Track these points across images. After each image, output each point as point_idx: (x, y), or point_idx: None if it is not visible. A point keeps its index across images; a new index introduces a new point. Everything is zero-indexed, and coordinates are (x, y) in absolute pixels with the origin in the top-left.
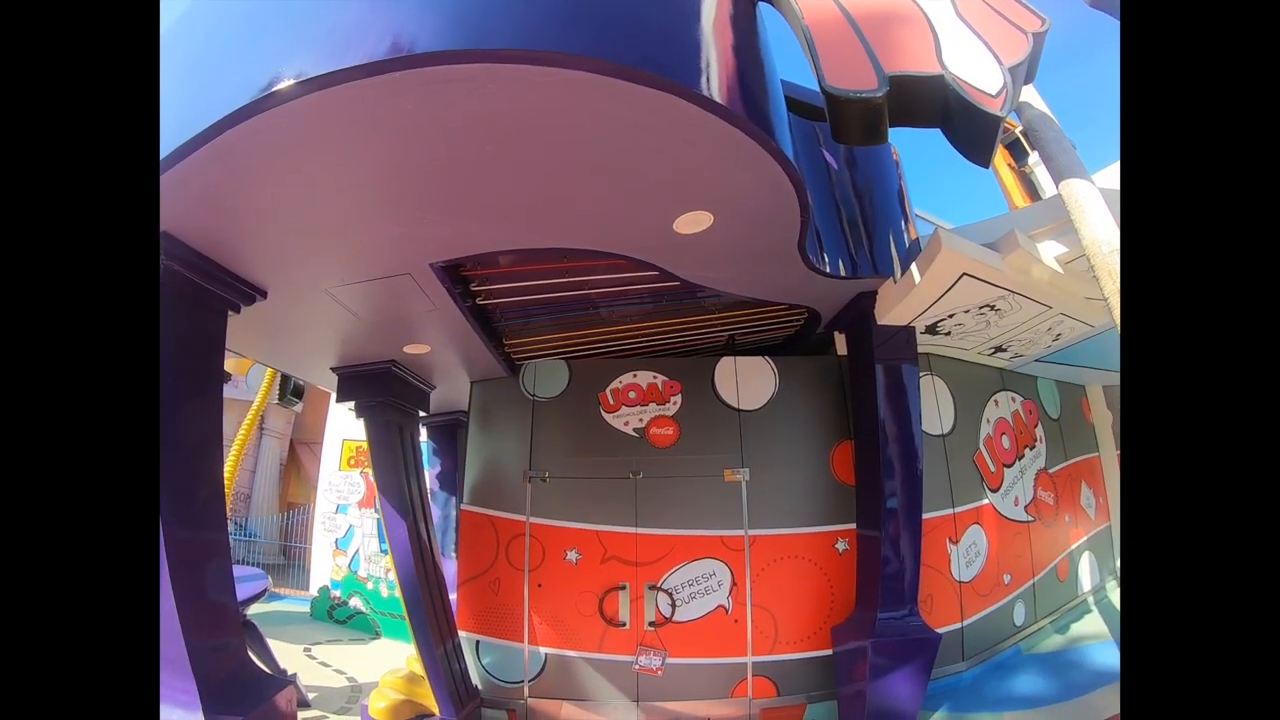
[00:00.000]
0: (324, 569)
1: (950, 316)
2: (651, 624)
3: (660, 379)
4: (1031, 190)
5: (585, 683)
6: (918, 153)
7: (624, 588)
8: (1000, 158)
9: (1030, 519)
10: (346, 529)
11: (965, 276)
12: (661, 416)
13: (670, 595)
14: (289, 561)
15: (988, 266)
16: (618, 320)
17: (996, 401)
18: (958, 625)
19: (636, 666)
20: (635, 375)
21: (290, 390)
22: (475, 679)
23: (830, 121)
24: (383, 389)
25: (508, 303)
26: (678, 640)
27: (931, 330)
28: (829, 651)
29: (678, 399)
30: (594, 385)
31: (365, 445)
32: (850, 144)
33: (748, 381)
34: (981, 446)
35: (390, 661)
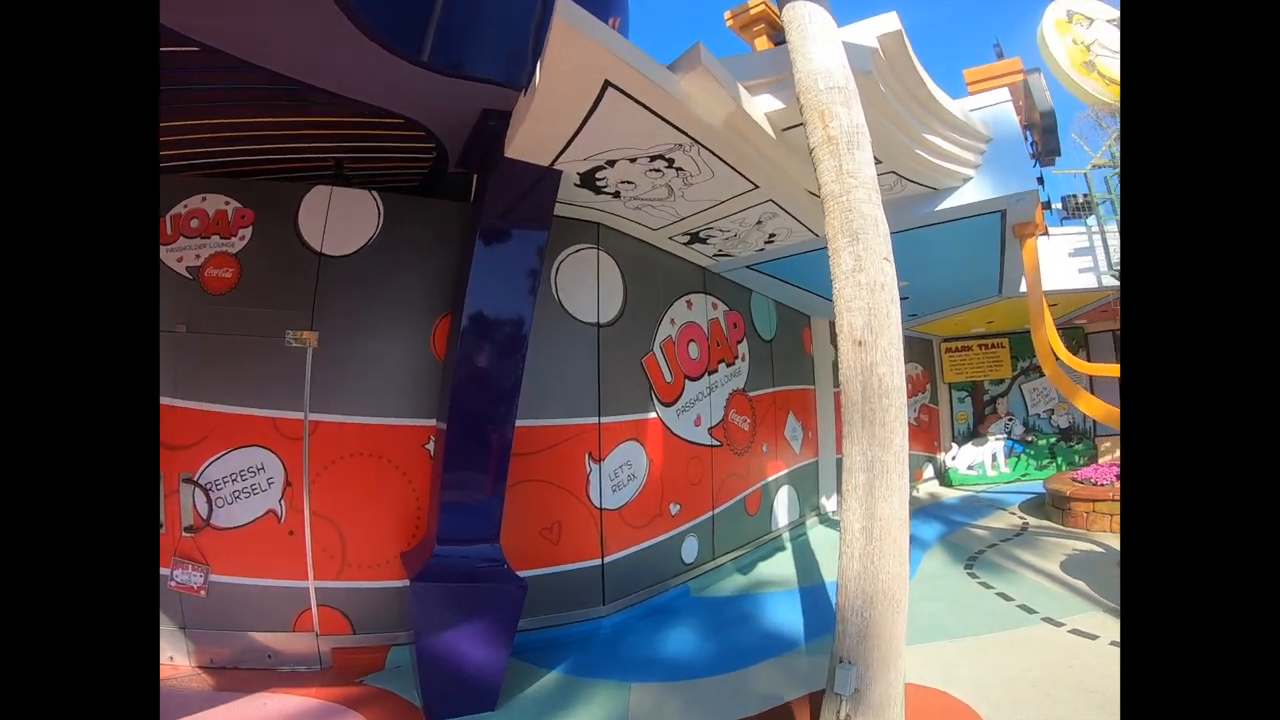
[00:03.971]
0: None
1: (611, 165)
2: (189, 529)
3: (232, 206)
4: None
5: None
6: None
7: None
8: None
9: (716, 443)
10: None
11: (612, 90)
12: (223, 254)
13: (207, 491)
14: None
15: (640, 76)
16: (179, 107)
17: (690, 303)
18: (595, 561)
19: (173, 583)
20: (204, 199)
21: None
22: None
23: None
24: None
25: None
26: (222, 552)
27: (592, 184)
28: None
29: (246, 233)
30: None
31: None
32: None
33: (341, 219)
34: (657, 349)
35: None
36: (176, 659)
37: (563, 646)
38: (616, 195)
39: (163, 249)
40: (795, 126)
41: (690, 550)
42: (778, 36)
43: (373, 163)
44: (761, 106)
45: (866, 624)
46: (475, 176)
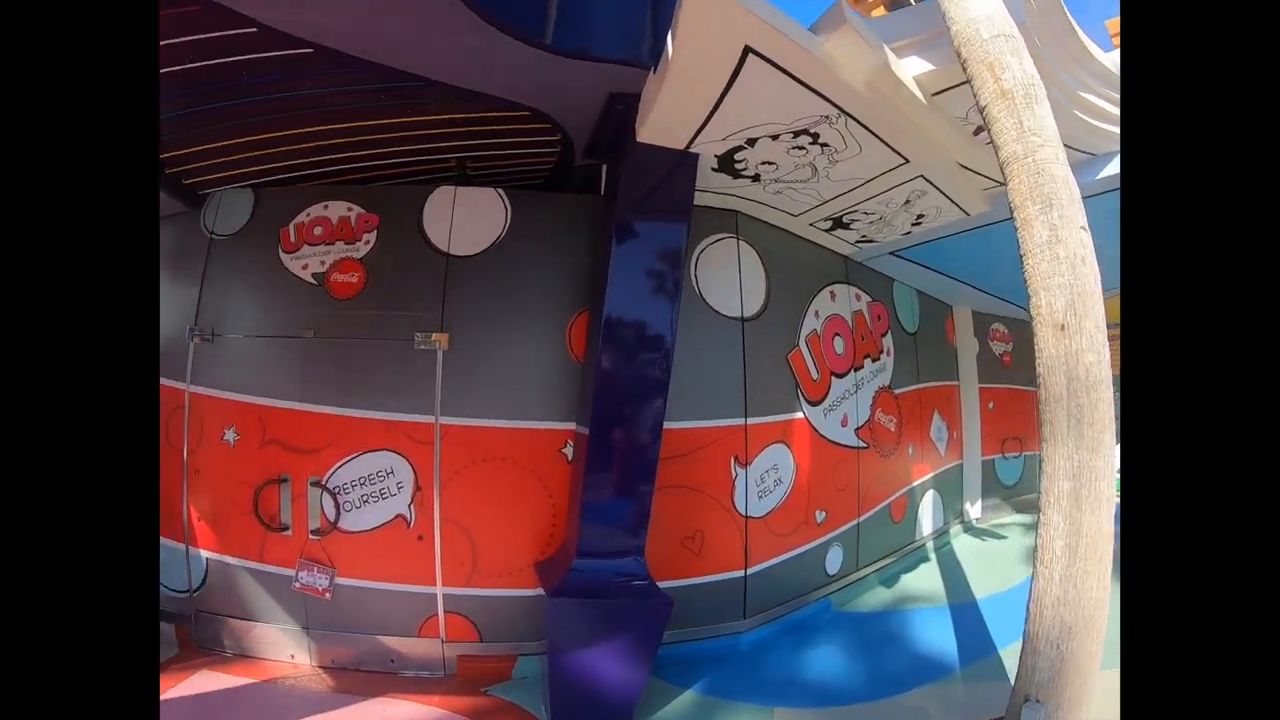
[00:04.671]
0: None
1: (751, 145)
2: (315, 532)
3: (355, 211)
4: None
5: (249, 600)
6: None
7: (285, 481)
8: None
9: (862, 445)
10: None
11: (753, 56)
12: (348, 259)
13: (334, 495)
14: None
15: (784, 38)
16: (298, 114)
17: (833, 294)
18: (739, 573)
19: (298, 584)
20: (326, 207)
21: None
22: None
23: None
24: None
25: None
26: (348, 555)
27: (730, 168)
28: None
29: (371, 237)
30: (279, 219)
31: None
32: None
33: (468, 218)
34: (803, 344)
35: None
36: (298, 657)
37: (700, 663)
38: (756, 179)
39: (287, 257)
40: (948, 90)
41: (834, 561)
42: (896, 8)
43: (495, 160)
44: (910, 70)
45: (1062, 657)
46: (604, 167)
